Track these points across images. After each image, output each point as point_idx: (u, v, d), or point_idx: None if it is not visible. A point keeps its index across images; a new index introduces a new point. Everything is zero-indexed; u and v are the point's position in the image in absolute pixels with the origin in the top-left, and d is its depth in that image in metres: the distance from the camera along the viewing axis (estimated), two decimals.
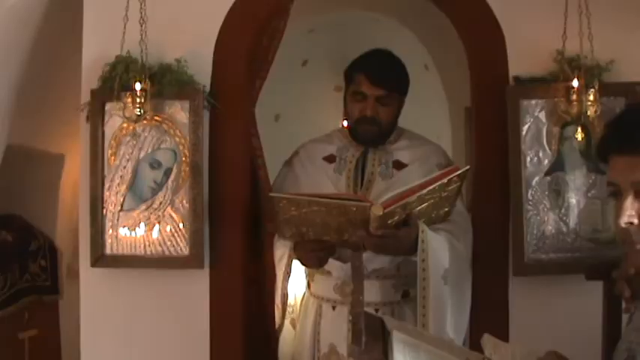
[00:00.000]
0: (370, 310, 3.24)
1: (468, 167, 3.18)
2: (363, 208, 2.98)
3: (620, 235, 1.80)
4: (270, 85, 4.04)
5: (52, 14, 4.01)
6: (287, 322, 3.70)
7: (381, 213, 2.93)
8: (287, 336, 3.70)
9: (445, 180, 3.06)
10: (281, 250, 3.49)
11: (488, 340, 2.42)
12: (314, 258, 3.33)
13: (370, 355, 2.20)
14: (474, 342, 3.09)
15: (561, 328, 3.43)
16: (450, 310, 3.24)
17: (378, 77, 3.43)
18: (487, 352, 2.31)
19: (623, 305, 2.68)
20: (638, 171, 1.74)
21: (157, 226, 3.58)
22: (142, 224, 3.59)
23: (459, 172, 3.11)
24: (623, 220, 1.74)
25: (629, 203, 1.74)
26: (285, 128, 5.41)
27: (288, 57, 5.23)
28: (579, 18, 3.38)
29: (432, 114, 5.60)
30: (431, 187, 3.03)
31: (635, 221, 1.74)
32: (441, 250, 3.21)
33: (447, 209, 3.27)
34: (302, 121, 5.28)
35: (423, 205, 3.10)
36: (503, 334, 3.41)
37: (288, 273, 3.49)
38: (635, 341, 1.83)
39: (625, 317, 2.12)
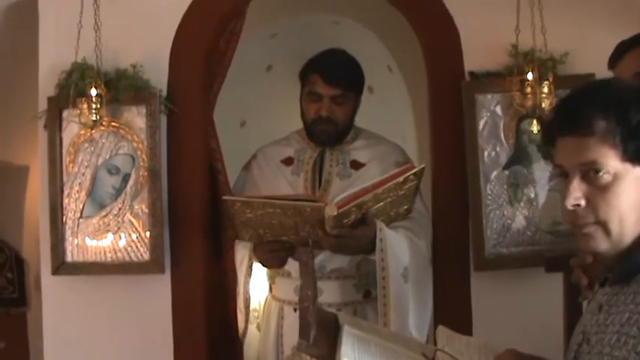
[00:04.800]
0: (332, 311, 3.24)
1: (423, 166, 3.18)
2: (318, 209, 2.97)
3: (567, 218, 1.78)
4: (235, 92, 4.02)
5: (9, 25, 4.00)
6: (253, 326, 3.69)
7: (335, 213, 2.93)
8: (253, 340, 3.70)
9: (401, 179, 3.06)
10: (241, 252, 3.47)
11: (442, 332, 2.41)
12: (274, 258, 3.32)
13: (317, 349, 2.20)
14: None
15: (524, 321, 3.44)
16: (411, 308, 3.24)
17: (332, 77, 3.44)
18: (440, 343, 2.30)
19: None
20: (583, 152, 1.73)
21: (119, 234, 3.57)
22: (108, 233, 3.58)
23: (414, 170, 3.10)
24: (569, 203, 1.73)
25: (576, 185, 1.73)
26: (252, 134, 5.38)
27: (252, 63, 5.22)
28: (531, 11, 3.40)
29: (396, 115, 5.59)
30: (386, 186, 3.02)
31: (582, 203, 1.73)
32: (400, 248, 3.21)
33: (406, 207, 3.27)
34: (268, 127, 5.24)
35: (379, 204, 3.09)
36: (466, 330, 3.40)
37: (249, 275, 3.48)
38: (589, 324, 1.82)
39: (585, 305, 2.13)
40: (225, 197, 3.24)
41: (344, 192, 3.14)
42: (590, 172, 1.73)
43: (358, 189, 3.04)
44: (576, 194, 1.73)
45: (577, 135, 1.74)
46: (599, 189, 1.72)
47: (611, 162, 1.71)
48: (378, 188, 3.02)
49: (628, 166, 1.71)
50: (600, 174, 1.72)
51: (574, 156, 1.75)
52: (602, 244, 1.75)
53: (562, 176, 1.80)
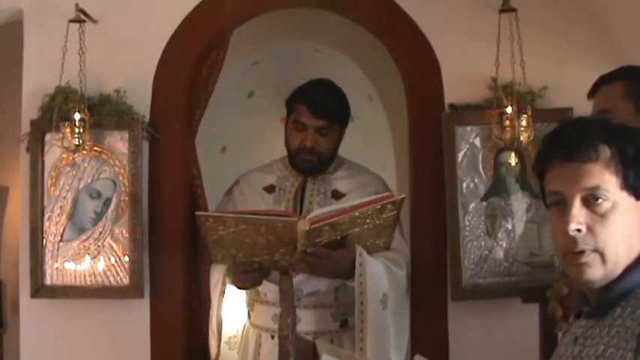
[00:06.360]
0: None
1: (403, 196, 3.16)
2: (290, 224, 2.97)
3: (562, 245, 1.78)
4: (217, 118, 4.03)
5: None
6: (234, 352, 3.66)
7: (307, 228, 2.91)
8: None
9: (378, 205, 3.05)
10: (216, 275, 3.44)
11: None
12: (247, 280, 3.28)
13: None
14: None
15: (500, 351, 3.47)
16: (389, 335, 3.23)
17: (319, 109, 3.43)
18: None
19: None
20: (586, 177, 1.74)
21: (98, 258, 3.58)
22: (87, 257, 3.58)
23: (393, 199, 3.09)
24: (572, 228, 1.73)
25: (577, 210, 1.74)
26: (232, 160, 5.41)
27: (233, 89, 5.25)
28: (511, 46, 3.45)
29: (376, 145, 5.62)
30: (363, 210, 3.02)
31: (584, 229, 1.73)
32: (379, 275, 3.19)
33: (384, 240, 3.25)
34: (249, 153, 5.27)
35: (355, 229, 3.08)
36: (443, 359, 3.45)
37: (222, 298, 3.45)
38: (565, 355, 1.83)
39: (560, 335, 2.14)
40: (198, 213, 3.21)
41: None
42: (591, 199, 1.74)
43: (334, 208, 3.05)
44: (579, 219, 1.73)
45: (580, 160, 1.75)
46: (599, 216, 1.73)
47: (612, 188, 1.73)
48: (355, 211, 3.02)
49: (624, 195, 1.74)
50: (600, 201, 1.73)
51: (576, 181, 1.75)
52: (598, 273, 1.75)
53: (556, 204, 1.81)
